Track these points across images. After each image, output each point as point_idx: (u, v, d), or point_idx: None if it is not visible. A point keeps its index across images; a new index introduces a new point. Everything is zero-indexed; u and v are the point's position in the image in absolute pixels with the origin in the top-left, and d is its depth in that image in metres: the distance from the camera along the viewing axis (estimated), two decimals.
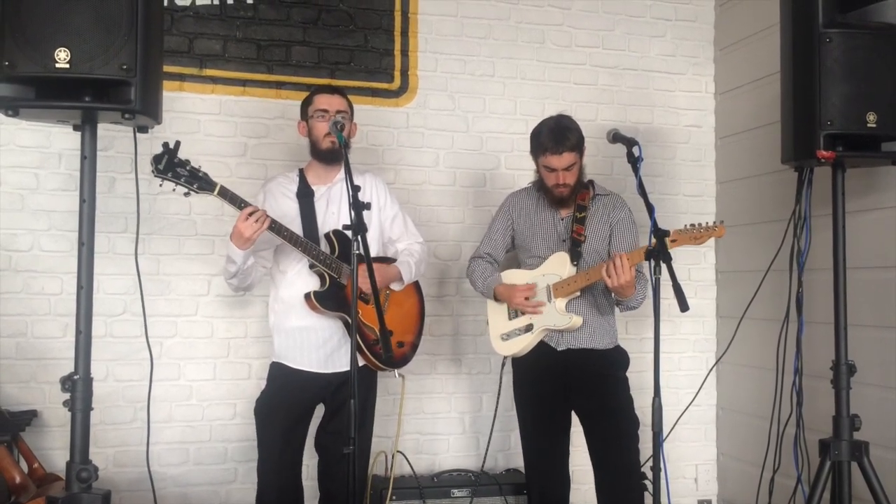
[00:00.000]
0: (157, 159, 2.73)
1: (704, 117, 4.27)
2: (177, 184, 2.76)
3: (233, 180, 3.52)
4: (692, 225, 2.89)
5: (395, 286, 3.14)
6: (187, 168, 2.77)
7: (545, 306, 3.11)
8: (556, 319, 3.09)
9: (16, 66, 2.18)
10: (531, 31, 4.04)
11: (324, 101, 3.07)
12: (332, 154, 3.05)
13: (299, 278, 3.04)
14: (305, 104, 3.13)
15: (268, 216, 2.83)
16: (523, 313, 3.17)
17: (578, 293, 3.10)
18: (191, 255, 3.60)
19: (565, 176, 3.10)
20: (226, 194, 2.83)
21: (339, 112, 3.02)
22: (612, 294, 3.08)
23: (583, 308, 3.14)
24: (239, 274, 2.98)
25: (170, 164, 2.74)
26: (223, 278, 3.14)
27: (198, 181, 2.78)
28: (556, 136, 3.06)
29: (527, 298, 3.13)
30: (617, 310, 3.23)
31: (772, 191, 3.74)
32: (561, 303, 3.10)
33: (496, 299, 3.26)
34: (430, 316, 3.33)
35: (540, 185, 3.22)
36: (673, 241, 2.78)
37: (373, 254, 3.07)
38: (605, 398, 3.11)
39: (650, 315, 2.58)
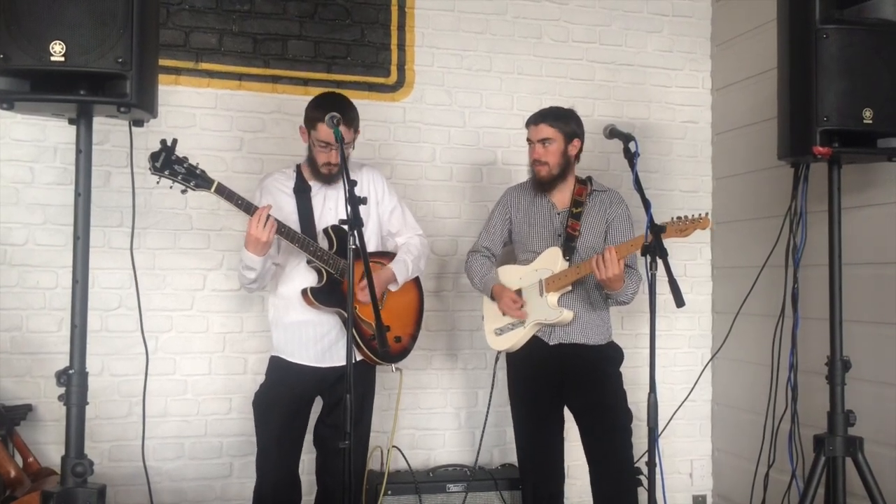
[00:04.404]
0: (154, 157, 2.72)
1: (701, 113, 4.27)
2: (174, 181, 2.76)
3: (229, 175, 3.51)
4: (678, 217, 2.91)
5: (391, 287, 3.14)
6: (184, 165, 2.76)
7: (537, 299, 3.12)
8: (548, 313, 3.10)
9: (10, 59, 2.17)
10: (528, 27, 4.03)
11: (325, 134, 2.91)
12: (330, 178, 3.03)
13: (297, 274, 3.04)
14: (309, 120, 2.99)
15: (270, 215, 2.83)
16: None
17: (570, 288, 3.11)
18: (186, 249, 3.59)
19: (542, 152, 3.12)
20: (223, 191, 2.82)
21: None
22: (603, 288, 3.09)
23: (575, 303, 3.15)
24: (258, 279, 2.98)
25: (167, 162, 2.73)
26: (240, 285, 3.13)
27: (195, 178, 2.78)
28: (539, 111, 3.15)
29: (514, 303, 3.15)
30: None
31: (768, 187, 3.75)
32: (553, 297, 3.11)
33: (492, 298, 3.27)
34: (426, 311, 3.33)
35: (534, 178, 3.23)
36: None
37: (372, 248, 3.08)
38: (597, 394, 3.12)
39: (646, 311, 2.59)
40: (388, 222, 3.23)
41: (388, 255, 3.17)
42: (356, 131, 3.06)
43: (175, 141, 2.75)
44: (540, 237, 3.23)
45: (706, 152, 4.28)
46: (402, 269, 3.13)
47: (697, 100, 4.26)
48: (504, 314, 3.21)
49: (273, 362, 3.10)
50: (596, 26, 4.12)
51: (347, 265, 2.57)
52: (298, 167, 3.17)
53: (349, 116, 2.95)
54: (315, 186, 3.11)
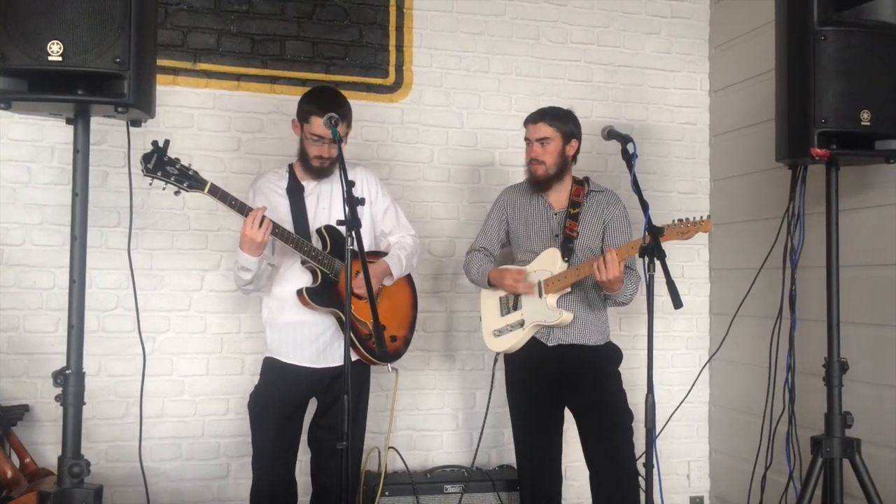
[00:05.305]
0: (146, 158, 2.71)
1: (699, 115, 4.27)
2: (166, 183, 2.75)
3: (226, 175, 3.51)
4: (679, 220, 2.91)
5: (386, 281, 3.13)
6: (177, 166, 2.75)
7: (536, 301, 3.12)
8: (547, 315, 3.10)
9: (8, 59, 2.17)
10: (526, 28, 4.03)
11: (319, 128, 2.92)
12: (321, 171, 3.04)
13: (291, 275, 3.04)
14: (303, 113, 3.01)
15: (265, 216, 2.82)
16: (515, 308, 3.18)
17: (569, 289, 3.11)
18: (184, 249, 3.59)
19: (540, 151, 3.13)
20: (216, 192, 2.81)
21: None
22: (602, 289, 3.09)
23: (574, 304, 3.15)
24: (254, 280, 2.97)
25: (159, 163, 2.72)
26: (236, 286, 3.12)
27: (188, 180, 2.78)
28: (538, 110, 3.16)
29: (519, 274, 3.14)
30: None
31: (766, 188, 3.75)
32: (552, 298, 3.10)
33: (490, 284, 3.26)
34: (423, 312, 3.33)
35: (530, 178, 3.23)
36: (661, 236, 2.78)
37: (365, 248, 3.07)
38: (597, 394, 3.12)
39: (644, 312, 2.59)
40: (381, 222, 3.23)
41: (381, 255, 3.16)
42: (349, 126, 3.06)
43: (167, 142, 2.74)
44: (537, 238, 3.23)
45: (704, 154, 4.28)
46: (396, 264, 3.13)
47: (695, 101, 4.26)
48: (510, 310, 3.19)
49: (267, 363, 3.10)
50: (594, 28, 4.12)
51: (342, 265, 2.57)
52: (291, 167, 3.16)
53: (342, 112, 2.94)
54: (308, 186, 3.10)
